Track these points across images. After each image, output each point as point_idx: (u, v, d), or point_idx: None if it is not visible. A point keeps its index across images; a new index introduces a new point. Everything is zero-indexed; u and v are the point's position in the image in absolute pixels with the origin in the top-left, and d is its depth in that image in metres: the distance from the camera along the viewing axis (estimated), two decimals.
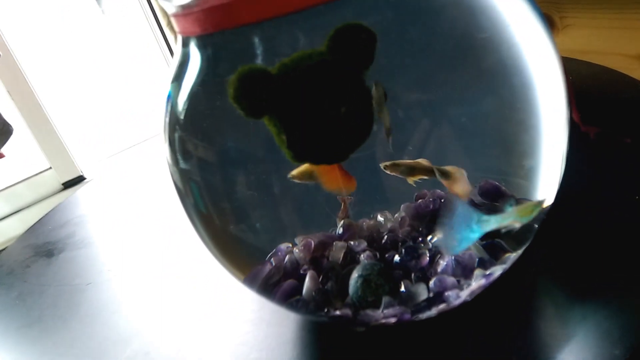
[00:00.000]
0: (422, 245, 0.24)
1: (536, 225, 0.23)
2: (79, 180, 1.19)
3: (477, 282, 0.21)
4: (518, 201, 0.22)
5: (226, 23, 0.17)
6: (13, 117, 1.06)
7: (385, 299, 0.21)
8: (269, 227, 0.22)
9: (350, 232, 0.25)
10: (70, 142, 1.17)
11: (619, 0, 0.43)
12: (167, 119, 0.21)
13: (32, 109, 1.11)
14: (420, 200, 0.26)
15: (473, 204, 0.25)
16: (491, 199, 0.24)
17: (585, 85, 0.42)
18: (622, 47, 0.44)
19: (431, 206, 0.26)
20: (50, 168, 1.17)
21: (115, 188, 0.57)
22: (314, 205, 0.23)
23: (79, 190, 0.57)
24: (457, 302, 0.21)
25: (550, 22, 0.48)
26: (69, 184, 1.19)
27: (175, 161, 0.21)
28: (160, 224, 0.43)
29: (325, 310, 0.22)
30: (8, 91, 1.08)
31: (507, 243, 0.22)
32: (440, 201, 0.26)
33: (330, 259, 0.24)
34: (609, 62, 0.44)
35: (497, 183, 0.24)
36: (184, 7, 0.18)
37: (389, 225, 0.25)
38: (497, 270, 0.21)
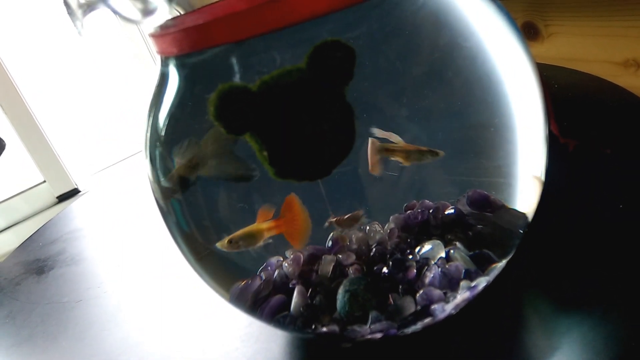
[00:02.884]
0: (410, 257, 0.23)
1: (521, 231, 0.23)
2: (73, 193, 1.19)
3: (462, 294, 0.21)
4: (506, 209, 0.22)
5: (202, 43, 0.17)
6: (6, 131, 1.06)
7: (372, 314, 0.21)
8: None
9: (339, 245, 0.25)
10: (64, 155, 1.17)
11: (604, 8, 0.43)
12: (148, 135, 0.21)
13: (25, 122, 1.11)
14: (409, 212, 0.26)
15: (461, 214, 0.25)
16: (480, 208, 0.24)
17: (570, 92, 0.42)
18: (607, 54, 0.44)
19: (420, 217, 0.25)
20: (45, 181, 1.17)
21: (107, 202, 0.56)
22: None
23: (72, 205, 0.57)
24: (442, 315, 0.21)
25: (535, 31, 0.49)
26: (63, 197, 1.18)
27: (156, 178, 0.21)
28: (152, 238, 0.43)
29: (313, 327, 0.22)
30: (0, 105, 1.08)
31: (493, 252, 0.22)
32: (429, 212, 0.26)
33: (319, 272, 0.24)
34: (594, 69, 0.44)
35: (485, 192, 0.24)
36: (161, 27, 0.18)
37: (377, 237, 0.25)
38: (481, 283, 0.21)
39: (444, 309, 0.21)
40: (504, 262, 0.22)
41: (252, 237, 0.21)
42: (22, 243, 0.49)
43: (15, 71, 1.10)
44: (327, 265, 0.24)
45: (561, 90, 0.42)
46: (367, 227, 0.25)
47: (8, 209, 1.15)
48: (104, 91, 1.37)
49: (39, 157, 1.14)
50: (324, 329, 0.21)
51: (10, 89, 1.08)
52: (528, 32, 0.49)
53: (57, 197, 1.18)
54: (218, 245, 0.21)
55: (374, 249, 0.24)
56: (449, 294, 0.21)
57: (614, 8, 0.42)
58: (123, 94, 1.37)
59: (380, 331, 0.21)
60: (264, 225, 0.21)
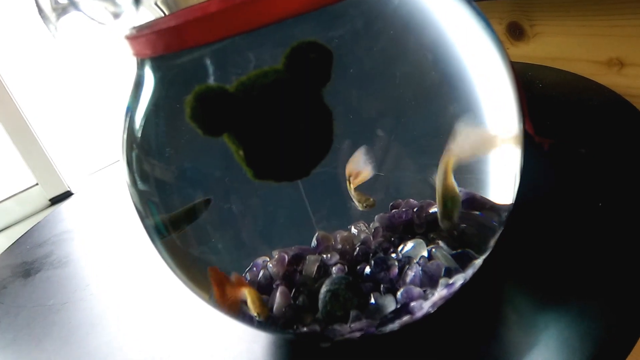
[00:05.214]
0: (393, 256, 0.24)
1: (498, 228, 0.23)
2: (66, 195, 1.18)
3: (439, 292, 0.21)
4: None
5: (176, 45, 0.17)
6: None
7: (352, 313, 0.21)
8: (231, 247, 0.22)
9: (324, 245, 0.25)
10: (56, 158, 1.17)
11: (588, 8, 0.43)
12: (125, 137, 0.21)
13: (17, 124, 1.10)
14: (394, 211, 0.26)
15: None
16: (464, 206, 0.24)
17: (555, 92, 0.42)
18: (591, 53, 0.44)
19: (404, 216, 0.26)
20: (37, 184, 1.16)
21: (97, 203, 0.56)
22: (277, 223, 0.23)
23: (61, 207, 0.57)
24: (420, 313, 0.21)
25: (520, 31, 0.49)
26: (56, 200, 1.18)
27: (133, 181, 0.21)
28: (139, 241, 0.43)
29: (294, 327, 0.22)
30: None
31: (472, 250, 0.22)
32: (413, 211, 0.26)
33: (303, 272, 0.24)
34: (579, 68, 0.45)
35: (470, 191, 0.24)
36: (135, 29, 0.18)
37: (362, 236, 0.25)
38: (458, 280, 0.21)
39: (422, 307, 0.21)
40: (481, 259, 0.22)
41: (255, 300, 0.22)
42: (10, 246, 0.49)
43: (7, 73, 1.09)
44: (311, 265, 0.24)
45: (545, 89, 0.42)
46: (352, 227, 0.26)
47: (0, 212, 1.14)
48: (97, 93, 1.36)
49: (31, 160, 1.13)
50: (305, 329, 0.21)
51: (2, 91, 1.08)
52: (514, 32, 0.50)
53: (50, 200, 1.17)
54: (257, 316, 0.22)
55: (357, 249, 0.25)
56: (428, 292, 0.21)
57: (598, 8, 0.42)
58: (116, 96, 1.36)
59: (359, 330, 0.21)
60: (252, 290, 0.22)
